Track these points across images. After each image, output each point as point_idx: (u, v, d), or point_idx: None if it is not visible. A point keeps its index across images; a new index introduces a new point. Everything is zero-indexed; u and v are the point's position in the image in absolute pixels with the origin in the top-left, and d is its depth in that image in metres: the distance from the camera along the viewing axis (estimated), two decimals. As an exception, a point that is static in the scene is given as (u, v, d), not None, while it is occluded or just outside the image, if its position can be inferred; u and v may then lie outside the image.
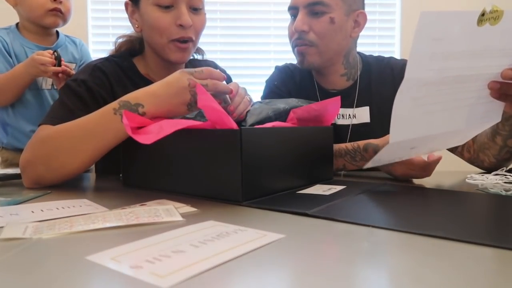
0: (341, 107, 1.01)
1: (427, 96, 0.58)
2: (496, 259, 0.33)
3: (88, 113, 0.66)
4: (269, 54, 1.97)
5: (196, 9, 0.84)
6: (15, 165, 1.13)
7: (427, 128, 0.63)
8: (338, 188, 0.64)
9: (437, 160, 0.73)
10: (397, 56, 1.96)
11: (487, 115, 0.69)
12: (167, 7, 0.81)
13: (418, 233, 0.39)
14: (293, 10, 0.97)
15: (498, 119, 0.71)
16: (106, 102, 0.69)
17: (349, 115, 1.01)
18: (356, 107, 1.01)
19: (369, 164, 0.71)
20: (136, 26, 0.88)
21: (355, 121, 1.01)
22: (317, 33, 0.94)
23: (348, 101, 1.01)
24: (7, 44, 1.13)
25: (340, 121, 1.01)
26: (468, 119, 0.66)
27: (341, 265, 0.31)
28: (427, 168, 0.73)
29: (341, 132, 1.00)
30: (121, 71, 0.88)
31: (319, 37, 0.95)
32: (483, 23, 0.52)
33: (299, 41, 0.95)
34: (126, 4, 0.88)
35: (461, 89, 0.61)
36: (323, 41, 0.95)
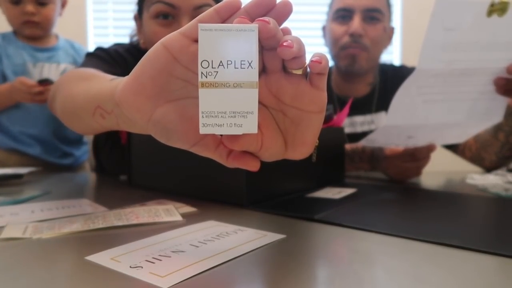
0: (360, 114, 1.04)
1: (432, 86, 0.59)
2: (497, 267, 0.33)
3: (116, 69, 0.67)
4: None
5: None
6: (7, 166, 1.11)
7: (425, 116, 0.63)
8: (349, 191, 0.63)
9: (429, 148, 0.71)
10: (398, 57, 1.96)
11: (488, 113, 0.69)
12: (165, 17, 0.72)
13: (424, 240, 0.38)
14: (346, 12, 0.97)
15: (498, 119, 0.72)
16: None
17: (368, 121, 1.03)
18: (374, 112, 1.04)
19: (363, 142, 0.72)
20: (142, 42, 0.81)
21: (373, 127, 1.03)
22: (372, 39, 0.97)
23: (366, 108, 1.04)
24: None
25: (360, 128, 1.04)
26: (468, 114, 0.66)
27: (341, 266, 0.31)
28: (417, 154, 0.72)
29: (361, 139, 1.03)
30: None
31: (373, 43, 0.97)
32: (492, 14, 0.53)
33: (354, 43, 0.96)
34: (134, 18, 0.83)
35: (466, 82, 0.61)
36: (375, 48, 0.98)
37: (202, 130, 0.27)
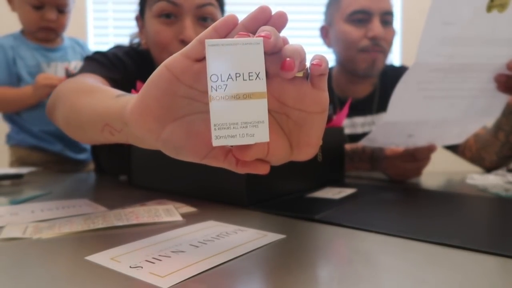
0: (360, 115, 1.03)
1: (432, 82, 0.59)
2: (498, 267, 0.33)
3: (115, 73, 0.69)
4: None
5: (205, 20, 0.74)
6: (29, 163, 1.11)
7: (425, 112, 0.63)
8: (349, 191, 0.63)
9: (429, 148, 0.71)
10: (398, 57, 1.96)
11: (487, 109, 0.69)
12: (168, 16, 0.73)
13: (424, 240, 0.38)
14: (364, 15, 0.96)
15: (496, 116, 0.72)
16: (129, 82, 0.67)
17: (369, 122, 1.03)
18: (375, 113, 1.04)
19: (363, 142, 0.72)
20: (144, 42, 0.82)
21: (373, 128, 1.03)
22: (388, 41, 0.98)
23: (367, 109, 1.04)
24: (12, 50, 1.12)
25: (361, 129, 1.03)
26: (467, 111, 0.66)
27: (342, 266, 0.31)
28: (417, 155, 0.72)
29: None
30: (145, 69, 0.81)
31: (388, 46, 0.98)
32: (492, 9, 0.52)
33: (375, 47, 0.96)
34: (136, 19, 0.83)
35: (466, 79, 0.61)
36: (388, 49, 0.99)
37: (215, 143, 0.27)
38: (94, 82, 0.56)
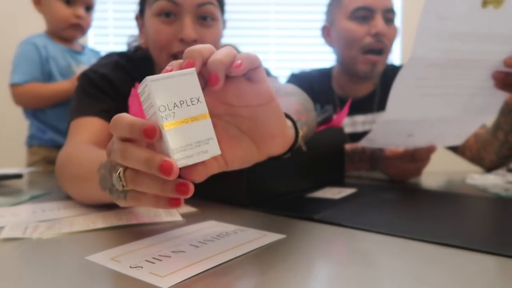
0: (361, 113, 1.03)
1: (430, 79, 0.59)
2: (497, 267, 0.33)
3: (108, 104, 0.70)
4: (268, 54, 1.97)
5: (205, 19, 0.72)
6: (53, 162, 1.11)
7: (424, 110, 0.63)
8: (349, 191, 0.62)
9: (429, 149, 0.71)
10: (398, 57, 1.96)
11: (485, 107, 0.68)
12: (168, 15, 0.72)
13: (424, 240, 0.38)
14: (366, 12, 0.95)
15: (494, 113, 0.72)
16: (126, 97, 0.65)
17: (369, 120, 1.03)
18: (376, 112, 1.04)
19: (363, 143, 0.72)
20: (143, 41, 0.81)
21: (374, 126, 1.03)
22: (391, 39, 0.96)
23: (368, 108, 1.04)
24: (45, 50, 1.14)
25: (361, 128, 1.03)
26: (465, 109, 0.66)
27: (341, 266, 0.31)
28: (417, 156, 0.72)
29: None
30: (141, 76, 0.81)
31: (390, 43, 0.97)
32: (487, 5, 0.52)
33: (379, 43, 0.94)
34: (136, 18, 0.82)
35: (464, 76, 0.61)
36: (390, 47, 0.98)
37: (180, 164, 0.29)
38: (79, 162, 0.53)
